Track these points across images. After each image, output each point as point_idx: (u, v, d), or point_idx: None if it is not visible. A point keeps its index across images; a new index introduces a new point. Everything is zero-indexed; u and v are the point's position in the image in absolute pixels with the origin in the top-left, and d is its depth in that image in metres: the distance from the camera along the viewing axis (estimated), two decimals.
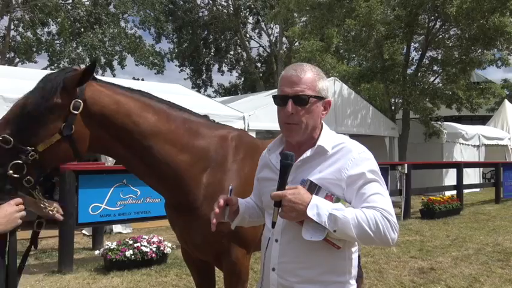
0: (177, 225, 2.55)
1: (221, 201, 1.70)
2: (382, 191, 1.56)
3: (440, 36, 14.63)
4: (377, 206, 1.50)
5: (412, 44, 15.03)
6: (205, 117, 2.57)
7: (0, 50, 21.27)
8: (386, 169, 9.14)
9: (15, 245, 1.74)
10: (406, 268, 5.79)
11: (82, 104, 2.02)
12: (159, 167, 2.26)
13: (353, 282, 1.67)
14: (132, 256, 5.60)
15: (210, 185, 2.37)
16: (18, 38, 20.87)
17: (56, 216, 2.01)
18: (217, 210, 1.68)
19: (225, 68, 30.82)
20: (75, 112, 2.00)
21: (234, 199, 1.77)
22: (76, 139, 2.03)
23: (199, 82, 30.49)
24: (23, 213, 1.69)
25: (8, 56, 21.12)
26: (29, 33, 20.24)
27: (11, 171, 1.88)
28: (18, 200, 1.73)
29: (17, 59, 21.68)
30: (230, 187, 1.81)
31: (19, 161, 1.90)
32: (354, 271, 1.67)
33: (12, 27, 20.47)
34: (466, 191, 12.67)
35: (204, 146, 2.40)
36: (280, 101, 1.63)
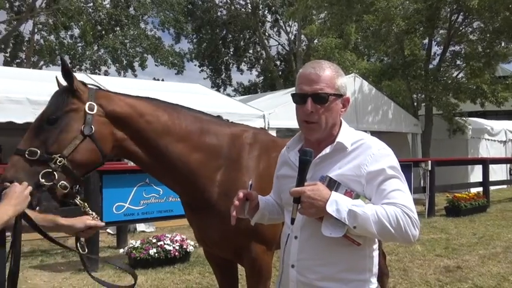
0: (195, 224, 2.57)
1: (241, 194, 1.70)
2: (402, 187, 1.54)
3: (463, 29, 14.30)
4: (397, 202, 1.48)
5: (434, 38, 14.74)
6: (218, 117, 2.60)
7: (26, 53, 21.83)
8: (409, 166, 9.01)
9: (20, 234, 1.75)
10: (431, 267, 5.69)
11: (96, 106, 2.12)
12: (174, 166, 2.30)
13: (374, 280, 1.64)
14: (156, 254, 5.67)
15: (224, 182, 2.38)
16: (42, 41, 21.37)
17: (97, 223, 2.00)
18: (237, 202, 1.68)
19: (244, 67, 30.87)
20: (92, 112, 2.09)
21: (254, 194, 1.77)
22: (98, 138, 2.09)
23: (219, 81, 30.63)
24: (30, 188, 1.72)
25: (32, 59, 21.63)
26: (52, 37, 20.70)
27: (42, 180, 1.92)
28: (24, 184, 1.75)
29: (41, 62, 22.21)
30: (250, 182, 1.81)
31: (48, 169, 1.95)
32: (375, 269, 1.65)
33: (36, 31, 20.97)
34: (492, 187, 12.34)
35: (217, 144, 2.42)
36: (299, 99, 1.62)
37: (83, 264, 2.04)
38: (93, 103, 2.11)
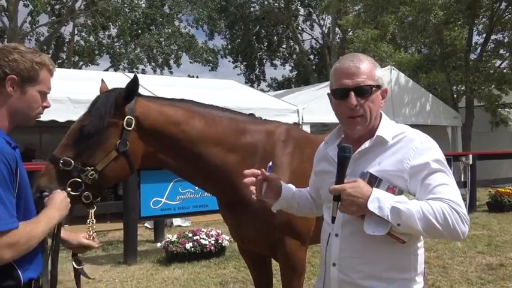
0: (230, 221, 2.59)
1: (247, 171, 1.73)
2: (449, 181, 1.48)
3: (507, 17, 13.66)
4: (444, 197, 1.42)
5: (475, 27, 14.16)
6: (251, 115, 2.59)
7: (66, 54, 22.65)
8: (449, 160, 8.72)
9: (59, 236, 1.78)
10: (472, 264, 5.50)
11: (134, 120, 2.12)
12: (210, 170, 2.32)
13: (420, 279, 1.58)
14: (192, 249, 5.77)
15: None
16: (82, 42, 22.10)
17: (90, 243, 1.95)
18: (247, 180, 1.70)
19: (277, 62, 30.74)
20: (129, 128, 2.11)
21: (272, 176, 1.76)
22: (130, 154, 2.12)
23: (253, 77, 30.66)
24: (67, 197, 1.74)
25: (72, 59, 22.42)
26: (91, 38, 21.36)
27: (69, 189, 1.94)
28: (64, 191, 1.78)
29: (81, 62, 22.99)
30: (270, 164, 1.80)
31: (78, 180, 1.98)
32: (420, 267, 1.59)
33: (75, 32, 21.71)
34: None
35: (252, 142, 2.42)
36: (340, 94, 1.57)
37: (75, 277, 2.01)
38: (131, 118, 2.12)
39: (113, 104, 2.09)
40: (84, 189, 2.00)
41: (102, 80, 2.37)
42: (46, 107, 1.69)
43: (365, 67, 1.55)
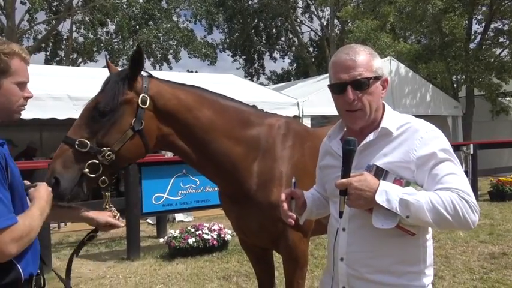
0: (233, 213, 2.59)
1: (283, 196, 1.66)
2: (456, 171, 1.45)
3: (507, 4, 13.58)
4: (453, 187, 1.40)
5: (474, 16, 14.08)
6: (254, 107, 2.59)
7: (64, 52, 22.60)
8: None
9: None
10: (475, 253, 5.51)
11: (149, 99, 2.09)
12: (218, 160, 2.31)
13: (429, 271, 1.56)
14: (195, 243, 5.79)
15: (262, 173, 2.39)
16: (80, 39, 22.07)
17: (117, 223, 1.93)
18: (285, 206, 1.64)
19: (276, 55, 30.66)
20: (144, 107, 2.07)
21: (299, 192, 1.72)
22: (146, 133, 2.09)
23: (252, 71, 30.60)
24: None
25: (71, 57, 22.37)
26: (89, 34, 21.29)
27: (86, 170, 1.92)
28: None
29: (79, 60, 22.94)
30: (293, 180, 1.76)
31: (95, 161, 1.95)
32: (430, 259, 1.57)
33: (73, 29, 21.65)
34: None
35: (255, 136, 2.42)
36: (337, 88, 1.55)
37: (79, 248, 1.98)
38: (146, 96, 2.09)
39: (125, 80, 2.07)
40: (103, 171, 1.97)
41: (106, 58, 2.36)
42: (28, 97, 1.63)
43: (361, 59, 1.52)
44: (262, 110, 2.65)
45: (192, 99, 2.26)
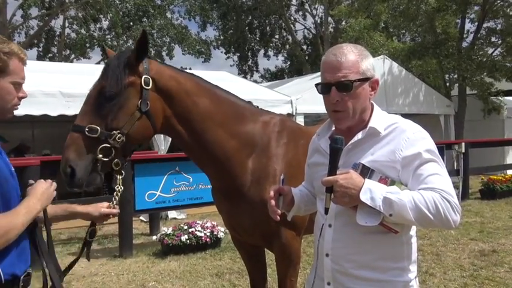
0: (225, 209, 2.60)
1: (271, 193, 1.69)
2: (440, 171, 1.48)
3: (499, 4, 13.67)
4: (435, 187, 1.43)
5: (467, 15, 14.16)
6: (249, 103, 2.59)
7: (57, 48, 22.42)
8: (442, 149, 8.79)
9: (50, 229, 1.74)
10: (465, 251, 5.57)
11: (151, 80, 2.12)
12: (212, 150, 2.32)
13: (413, 268, 1.60)
14: (188, 241, 5.79)
15: (255, 170, 2.40)
16: (73, 35, 21.88)
17: (111, 211, 1.94)
18: (273, 202, 1.67)
19: (270, 53, 30.62)
20: (147, 88, 2.10)
21: (287, 188, 1.75)
22: (152, 114, 2.11)
23: (246, 68, 30.55)
24: (55, 185, 1.70)
25: (64, 53, 22.20)
26: (82, 30, 21.14)
27: (100, 155, 1.95)
28: (48, 181, 1.72)
29: (72, 56, 22.76)
30: (282, 177, 1.79)
31: (107, 145, 1.97)
32: (414, 256, 1.60)
33: (66, 25, 21.47)
34: None
35: (250, 132, 2.43)
36: (323, 88, 1.57)
37: (84, 249, 1.93)
38: (148, 77, 2.11)
39: (127, 63, 2.08)
40: (115, 155, 2.00)
41: (105, 47, 2.36)
42: (22, 97, 1.64)
43: (348, 60, 1.53)
44: (257, 106, 2.65)
45: (191, 85, 2.29)
